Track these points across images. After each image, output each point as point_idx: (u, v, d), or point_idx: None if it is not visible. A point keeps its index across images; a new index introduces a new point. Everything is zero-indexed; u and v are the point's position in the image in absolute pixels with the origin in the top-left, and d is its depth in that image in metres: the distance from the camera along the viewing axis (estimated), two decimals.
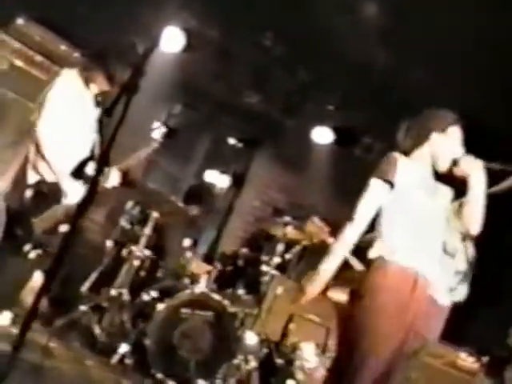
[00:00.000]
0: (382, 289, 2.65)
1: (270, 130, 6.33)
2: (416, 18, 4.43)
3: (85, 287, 4.69)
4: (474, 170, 2.76)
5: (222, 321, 4.37)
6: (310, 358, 4.87)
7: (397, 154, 2.80)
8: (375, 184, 2.74)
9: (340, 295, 5.15)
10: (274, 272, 4.91)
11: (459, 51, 4.37)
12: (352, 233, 2.72)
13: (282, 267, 5.10)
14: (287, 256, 5.13)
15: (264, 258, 5.01)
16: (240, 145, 5.98)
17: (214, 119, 6.39)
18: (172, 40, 5.38)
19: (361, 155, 6.04)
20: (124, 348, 4.15)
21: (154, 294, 4.53)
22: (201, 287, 4.53)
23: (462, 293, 3.09)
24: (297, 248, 5.16)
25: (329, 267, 2.78)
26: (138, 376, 4.07)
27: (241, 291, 4.85)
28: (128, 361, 4.13)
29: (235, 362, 4.39)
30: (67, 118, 3.34)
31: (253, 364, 4.54)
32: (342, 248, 2.77)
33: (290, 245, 5.12)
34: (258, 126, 6.35)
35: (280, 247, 4.96)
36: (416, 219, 2.74)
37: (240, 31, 5.36)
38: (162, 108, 6.17)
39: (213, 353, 4.30)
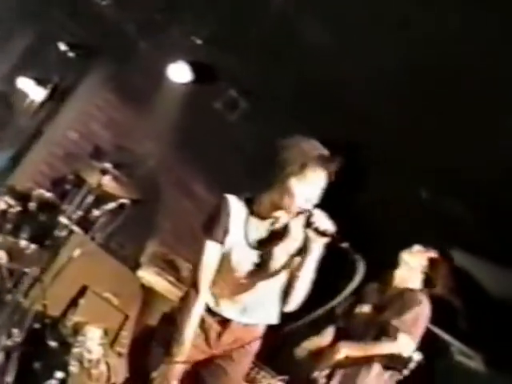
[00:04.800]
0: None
1: (116, 47, 5.95)
2: None
3: None
4: (315, 244, 2.91)
5: None
6: (93, 347, 4.55)
7: (231, 200, 3.07)
8: (211, 247, 3.08)
9: (154, 277, 5.31)
10: (75, 228, 4.74)
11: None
12: (199, 302, 3.13)
13: (86, 224, 4.99)
14: (96, 212, 4.98)
15: (65, 207, 4.87)
16: (71, 54, 5.55)
17: (45, 11, 5.84)
18: None
19: (220, 110, 5.79)
20: None
21: None
22: None
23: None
24: (110, 205, 5.02)
25: (189, 334, 3.09)
26: None
27: (25, 243, 4.60)
28: None
29: None
30: None
31: (16, 339, 4.25)
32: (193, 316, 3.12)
33: (102, 199, 5.00)
34: (102, 38, 5.92)
35: (89, 199, 4.87)
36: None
37: None
38: None
39: None
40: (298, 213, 2.92)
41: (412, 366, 3.27)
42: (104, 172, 4.82)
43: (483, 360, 4.83)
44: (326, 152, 2.93)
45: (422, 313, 3.75)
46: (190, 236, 5.90)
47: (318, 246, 2.90)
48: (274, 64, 5.07)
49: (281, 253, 3.09)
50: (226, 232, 3.05)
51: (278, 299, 3.16)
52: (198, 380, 3.21)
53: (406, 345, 3.63)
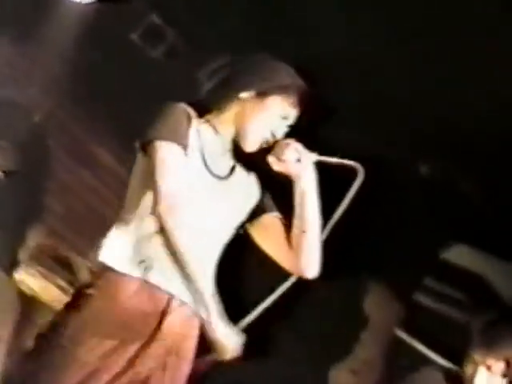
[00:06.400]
0: (113, 307, 2.46)
1: None
2: None
3: None
4: (305, 169, 2.66)
5: None
6: None
7: (189, 109, 2.69)
8: (166, 148, 2.54)
9: (37, 281, 4.74)
10: None
11: None
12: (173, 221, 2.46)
13: None
14: None
15: None
16: None
17: None
18: None
19: (138, 42, 4.68)
20: None
21: None
22: None
23: None
24: None
25: None
26: None
27: None
28: None
29: None
30: None
31: None
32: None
33: None
34: None
35: None
36: None
37: None
38: None
39: None
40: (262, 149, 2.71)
41: None
42: None
43: None
44: (298, 81, 2.71)
45: None
46: (90, 222, 5.03)
47: (310, 178, 2.66)
48: None
49: (242, 193, 2.74)
50: (186, 140, 2.56)
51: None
52: None
53: None
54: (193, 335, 2.57)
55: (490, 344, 3.25)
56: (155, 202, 2.43)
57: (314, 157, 2.65)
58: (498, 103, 3.67)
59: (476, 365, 3.21)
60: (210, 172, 2.65)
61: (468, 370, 3.28)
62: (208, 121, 2.74)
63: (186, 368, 2.58)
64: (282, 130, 2.70)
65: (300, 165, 2.65)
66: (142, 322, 2.47)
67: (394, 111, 3.97)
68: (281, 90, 2.68)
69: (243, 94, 2.67)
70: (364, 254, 4.29)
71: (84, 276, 4.60)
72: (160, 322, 2.49)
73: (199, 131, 2.68)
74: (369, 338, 4.64)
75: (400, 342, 4.63)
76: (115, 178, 5.11)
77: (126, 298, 2.45)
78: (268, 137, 2.68)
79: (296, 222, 2.66)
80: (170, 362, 2.51)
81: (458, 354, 4.30)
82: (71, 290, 4.51)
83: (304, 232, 2.63)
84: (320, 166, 2.70)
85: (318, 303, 4.42)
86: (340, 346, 4.51)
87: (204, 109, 2.72)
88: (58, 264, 4.85)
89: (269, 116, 2.70)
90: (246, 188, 2.79)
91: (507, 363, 3.21)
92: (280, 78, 2.69)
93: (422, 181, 4.11)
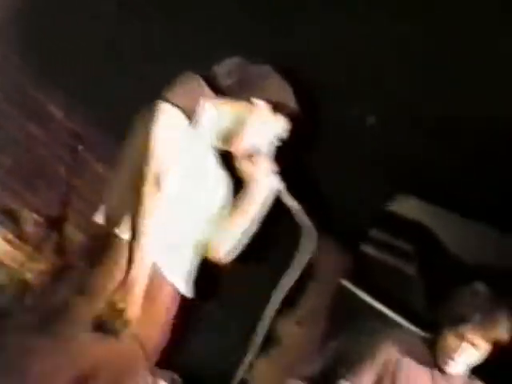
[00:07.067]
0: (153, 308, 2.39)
1: None
2: None
3: None
4: (269, 182, 2.67)
5: None
6: None
7: (202, 81, 2.66)
8: (166, 111, 2.47)
9: None
10: None
11: None
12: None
13: None
14: None
15: None
16: None
17: None
18: None
19: None
20: None
21: None
22: None
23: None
24: None
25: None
26: None
27: None
28: None
29: None
30: None
31: None
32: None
33: None
34: None
35: None
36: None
37: None
38: None
39: None
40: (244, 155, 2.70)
41: None
42: None
43: None
44: (298, 107, 2.73)
45: None
46: (39, 176, 4.87)
47: (263, 185, 2.65)
48: None
49: (213, 182, 2.68)
50: (197, 107, 2.51)
51: (194, 253, 2.60)
52: None
53: None
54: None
55: (486, 324, 3.03)
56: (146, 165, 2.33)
57: (281, 186, 2.65)
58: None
59: (462, 339, 3.02)
60: (215, 152, 2.67)
61: (449, 340, 3.08)
62: (214, 104, 2.71)
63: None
64: (267, 148, 2.70)
65: (267, 178, 2.63)
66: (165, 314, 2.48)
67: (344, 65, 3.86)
68: (287, 111, 2.70)
69: (256, 101, 2.67)
70: (311, 203, 4.24)
71: (30, 229, 4.61)
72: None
73: (210, 109, 2.66)
74: (314, 288, 4.58)
75: (346, 293, 4.63)
76: (64, 133, 4.95)
77: (164, 298, 2.43)
78: (256, 147, 2.67)
79: (232, 208, 2.68)
80: None
81: (404, 305, 4.35)
82: (17, 242, 4.53)
83: (234, 218, 2.67)
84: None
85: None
86: (286, 297, 4.45)
87: (214, 91, 2.67)
88: (5, 217, 4.70)
89: (269, 130, 2.71)
90: (224, 173, 2.80)
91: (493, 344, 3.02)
92: (291, 101, 2.70)
93: (369, 132, 4.00)
